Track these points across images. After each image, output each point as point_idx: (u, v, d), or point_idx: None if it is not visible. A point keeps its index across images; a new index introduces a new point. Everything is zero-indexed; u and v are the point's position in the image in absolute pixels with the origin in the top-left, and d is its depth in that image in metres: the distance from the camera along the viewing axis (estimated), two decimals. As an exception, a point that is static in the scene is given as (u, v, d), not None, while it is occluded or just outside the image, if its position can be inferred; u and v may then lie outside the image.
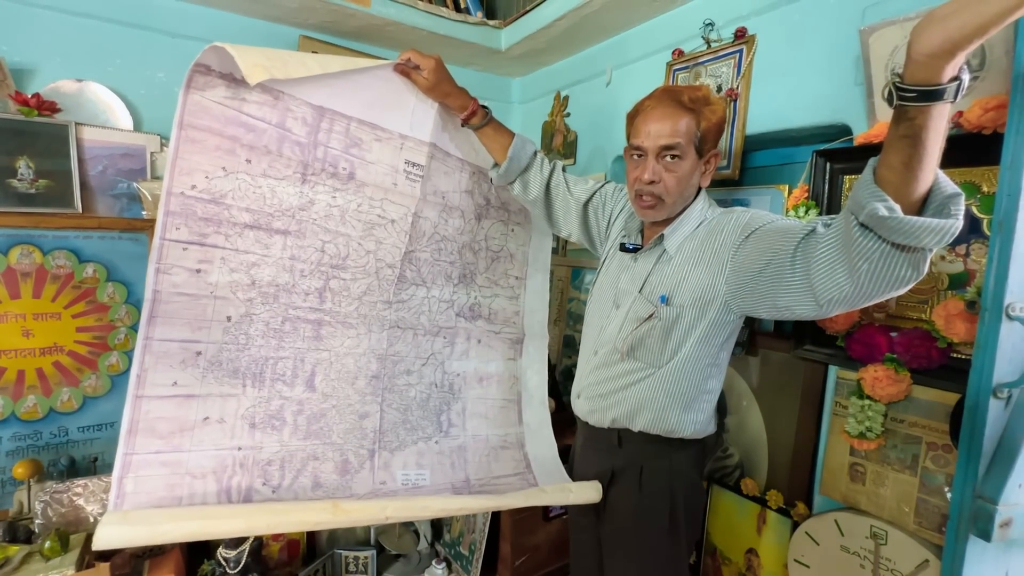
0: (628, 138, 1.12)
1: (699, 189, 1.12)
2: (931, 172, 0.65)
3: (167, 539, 0.95)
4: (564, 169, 1.37)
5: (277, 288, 1.15)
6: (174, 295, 1.03)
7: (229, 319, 1.10)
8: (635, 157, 1.09)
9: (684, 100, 1.03)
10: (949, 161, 1.01)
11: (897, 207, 0.65)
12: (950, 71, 0.59)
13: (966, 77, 0.61)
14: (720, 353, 1.10)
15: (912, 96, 0.61)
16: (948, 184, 0.66)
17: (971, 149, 0.99)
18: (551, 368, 1.58)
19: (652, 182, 1.05)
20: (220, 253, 1.07)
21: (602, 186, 1.34)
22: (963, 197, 0.65)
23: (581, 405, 1.27)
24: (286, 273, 1.16)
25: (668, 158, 1.04)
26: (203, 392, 1.07)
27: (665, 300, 1.07)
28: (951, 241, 0.66)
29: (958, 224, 0.64)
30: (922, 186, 0.65)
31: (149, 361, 1.00)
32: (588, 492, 1.23)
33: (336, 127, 1.17)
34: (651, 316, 1.07)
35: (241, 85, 1.04)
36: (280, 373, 1.17)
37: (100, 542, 0.87)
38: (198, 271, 1.05)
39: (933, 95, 0.60)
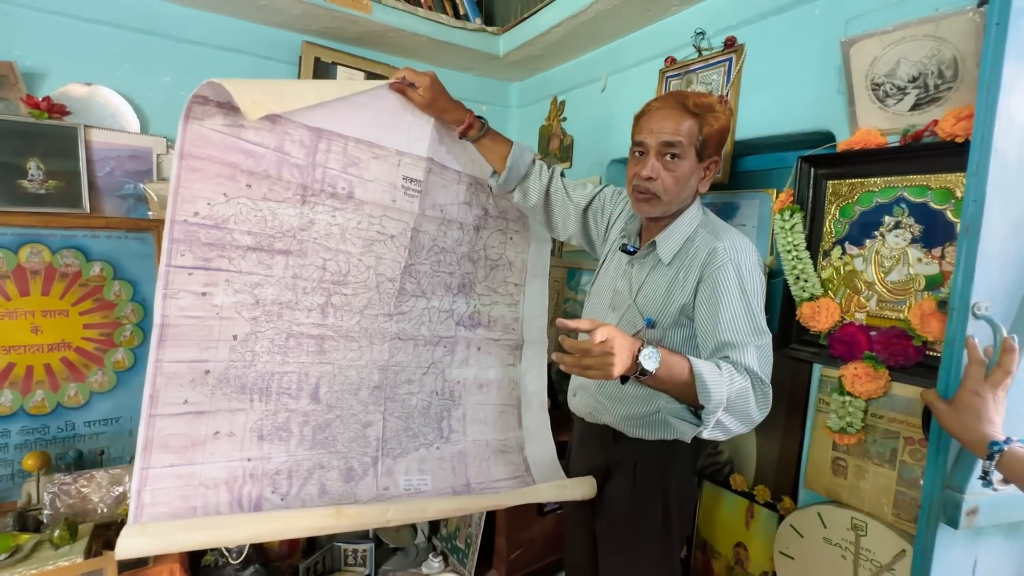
0: (632, 136, 1.15)
1: (696, 194, 1.15)
2: None
3: (183, 548, 1.02)
4: (563, 174, 1.40)
5: (280, 306, 1.18)
6: (181, 318, 1.06)
7: (235, 338, 1.13)
8: (637, 154, 1.13)
9: (689, 104, 1.07)
10: (925, 168, 1.08)
11: None
12: None
13: None
14: None
15: None
16: None
17: (945, 156, 1.04)
18: (547, 366, 1.62)
19: (650, 178, 1.08)
20: (224, 275, 1.11)
21: (600, 190, 1.37)
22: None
23: (577, 402, 1.30)
24: (289, 291, 1.19)
25: (668, 156, 1.07)
26: (213, 408, 1.11)
27: (651, 323, 1.10)
28: None
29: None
30: None
31: (160, 382, 1.05)
32: (583, 488, 1.26)
33: (334, 147, 1.19)
34: (637, 334, 1.09)
35: (239, 112, 1.06)
36: (286, 387, 1.21)
37: (121, 553, 0.93)
38: (203, 294, 1.09)
39: None
